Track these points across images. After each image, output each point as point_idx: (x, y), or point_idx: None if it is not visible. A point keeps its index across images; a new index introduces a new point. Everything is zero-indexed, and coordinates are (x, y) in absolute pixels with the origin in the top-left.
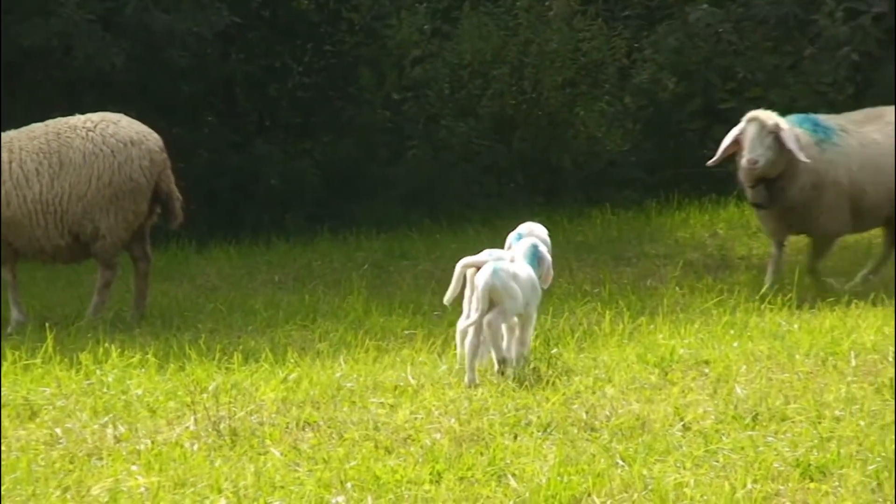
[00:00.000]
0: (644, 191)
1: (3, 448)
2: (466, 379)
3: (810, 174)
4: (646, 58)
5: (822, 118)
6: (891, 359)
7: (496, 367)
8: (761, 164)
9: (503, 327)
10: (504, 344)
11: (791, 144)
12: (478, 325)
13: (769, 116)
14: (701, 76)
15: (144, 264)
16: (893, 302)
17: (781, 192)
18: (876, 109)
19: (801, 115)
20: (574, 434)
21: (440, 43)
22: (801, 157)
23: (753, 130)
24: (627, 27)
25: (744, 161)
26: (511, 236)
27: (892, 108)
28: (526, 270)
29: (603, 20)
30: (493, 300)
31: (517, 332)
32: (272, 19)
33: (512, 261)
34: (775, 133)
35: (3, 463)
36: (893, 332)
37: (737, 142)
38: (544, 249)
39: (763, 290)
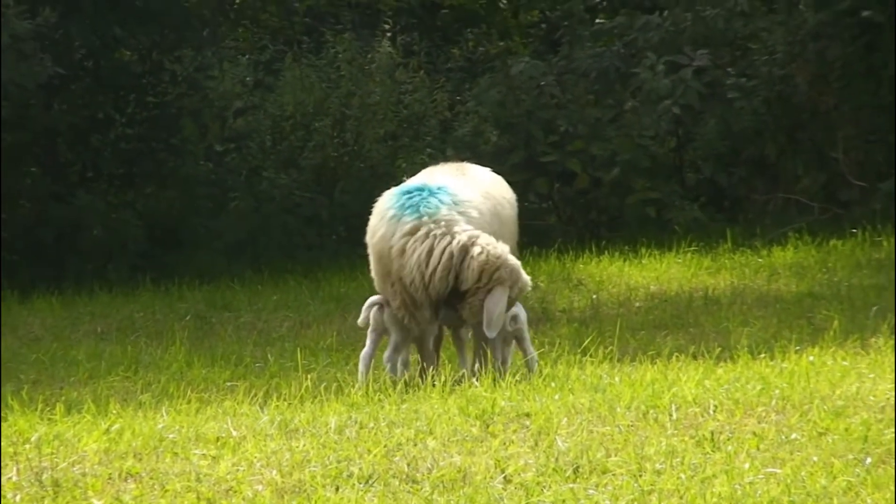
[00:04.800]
0: None
1: None
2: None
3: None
4: (468, 110)
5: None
6: (712, 412)
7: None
8: None
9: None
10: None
11: None
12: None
13: None
14: (523, 129)
15: None
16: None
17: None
18: (459, 164)
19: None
20: (395, 486)
21: (262, 95)
22: None
23: None
24: (450, 80)
25: None
26: None
27: (472, 165)
28: None
29: (425, 73)
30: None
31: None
32: (95, 70)
33: None
34: None
35: None
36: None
37: None
38: None
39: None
